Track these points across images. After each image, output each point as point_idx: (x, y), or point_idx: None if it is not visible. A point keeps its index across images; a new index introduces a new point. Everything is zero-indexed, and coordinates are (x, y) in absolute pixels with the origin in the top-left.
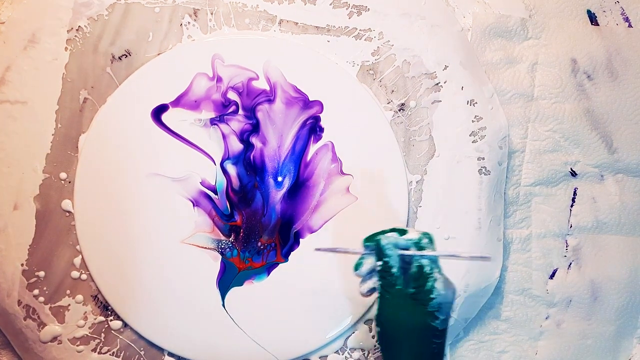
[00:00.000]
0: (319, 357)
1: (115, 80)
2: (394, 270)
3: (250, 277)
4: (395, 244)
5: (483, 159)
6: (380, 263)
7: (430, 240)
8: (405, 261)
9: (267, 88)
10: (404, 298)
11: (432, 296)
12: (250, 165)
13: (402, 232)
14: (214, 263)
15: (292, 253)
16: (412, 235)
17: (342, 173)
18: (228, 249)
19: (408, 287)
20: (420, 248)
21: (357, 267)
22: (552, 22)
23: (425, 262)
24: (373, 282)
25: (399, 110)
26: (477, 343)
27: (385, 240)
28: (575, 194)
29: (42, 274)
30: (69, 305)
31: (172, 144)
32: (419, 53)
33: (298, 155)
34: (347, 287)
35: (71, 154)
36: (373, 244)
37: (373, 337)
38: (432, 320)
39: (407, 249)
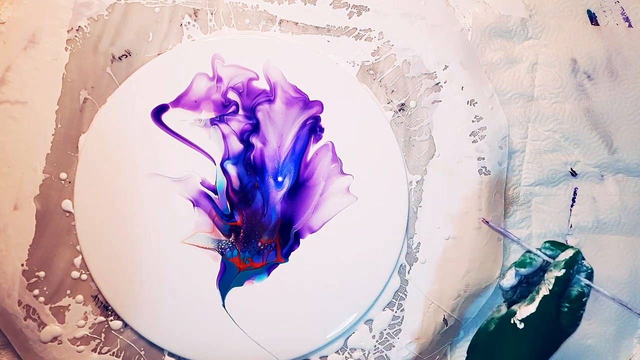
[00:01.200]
0: (319, 357)
1: (115, 80)
2: (571, 288)
3: (251, 277)
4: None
5: (483, 159)
6: (564, 272)
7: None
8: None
9: (267, 88)
10: (557, 310)
11: (578, 323)
12: (250, 166)
13: (563, 247)
14: (214, 263)
15: (292, 253)
16: (587, 264)
17: (342, 173)
18: (228, 249)
19: (563, 303)
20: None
21: (525, 265)
22: (552, 22)
23: (586, 291)
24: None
25: (399, 110)
26: None
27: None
28: (575, 194)
29: (42, 274)
30: (69, 305)
31: (172, 144)
32: (419, 53)
33: (298, 155)
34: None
35: (71, 154)
36: (559, 251)
37: (373, 337)
38: (562, 336)
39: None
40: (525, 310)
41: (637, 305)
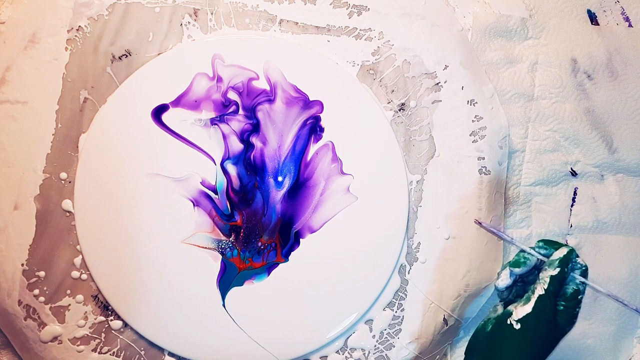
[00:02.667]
0: (319, 357)
1: (115, 80)
2: (566, 286)
3: (251, 277)
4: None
5: (483, 158)
6: (558, 271)
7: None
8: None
9: (268, 88)
10: (553, 308)
11: (574, 321)
12: (250, 165)
13: (557, 245)
14: (214, 263)
15: (292, 253)
16: (581, 261)
17: (342, 173)
18: (228, 249)
19: (559, 301)
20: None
21: (519, 265)
22: (552, 21)
23: (581, 289)
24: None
25: (399, 110)
26: None
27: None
28: (575, 193)
29: (42, 274)
30: (69, 305)
31: (172, 144)
32: (419, 53)
33: (298, 155)
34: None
35: (71, 154)
36: (553, 250)
37: (373, 336)
38: (559, 334)
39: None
40: (521, 310)
41: (636, 304)
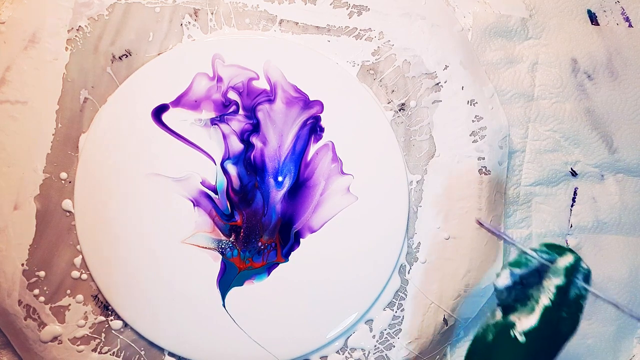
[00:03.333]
0: (319, 357)
1: (115, 80)
2: (570, 294)
3: (251, 277)
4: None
5: (483, 158)
6: (565, 282)
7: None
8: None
9: (268, 88)
10: (557, 318)
11: (577, 327)
12: (250, 165)
13: (560, 250)
14: (214, 263)
15: (292, 253)
16: (584, 265)
17: (343, 173)
18: (228, 249)
19: (562, 308)
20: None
21: (520, 265)
22: (552, 22)
23: (584, 293)
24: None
25: (399, 110)
26: None
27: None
28: (575, 193)
29: (42, 273)
30: (70, 305)
31: (172, 144)
32: (419, 53)
33: (298, 155)
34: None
35: (71, 154)
36: (556, 256)
37: (373, 336)
38: (561, 341)
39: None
40: (526, 322)
41: (637, 307)
